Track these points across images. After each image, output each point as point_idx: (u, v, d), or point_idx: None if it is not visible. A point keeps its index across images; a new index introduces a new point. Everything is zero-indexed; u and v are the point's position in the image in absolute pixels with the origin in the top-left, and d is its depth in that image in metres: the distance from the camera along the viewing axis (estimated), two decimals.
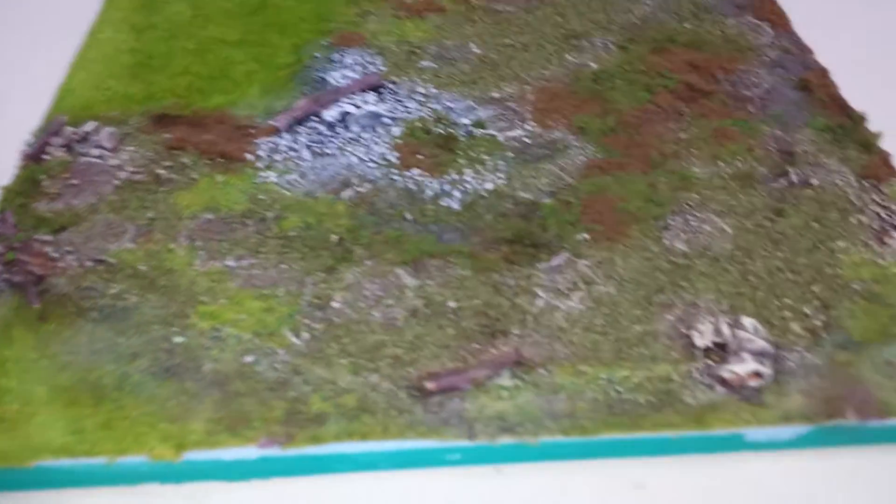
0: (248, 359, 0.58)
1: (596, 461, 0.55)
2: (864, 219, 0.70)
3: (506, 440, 0.54)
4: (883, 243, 0.67)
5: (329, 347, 0.59)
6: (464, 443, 0.54)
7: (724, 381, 0.57)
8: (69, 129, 0.74)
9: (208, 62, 0.85)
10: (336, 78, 0.83)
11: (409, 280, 0.64)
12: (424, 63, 0.86)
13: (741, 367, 0.57)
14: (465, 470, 0.55)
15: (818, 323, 0.61)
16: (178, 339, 0.59)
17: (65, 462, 0.52)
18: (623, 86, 0.84)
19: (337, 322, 0.61)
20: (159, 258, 0.64)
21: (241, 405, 0.55)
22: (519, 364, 0.57)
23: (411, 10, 0.94)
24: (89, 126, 0.75)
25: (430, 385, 0.56)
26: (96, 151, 0.73)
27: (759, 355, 0.58)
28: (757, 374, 0.57)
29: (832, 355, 0.59)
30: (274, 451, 0.53)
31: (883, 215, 0.70)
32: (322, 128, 0.77)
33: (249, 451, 0.53)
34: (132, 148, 0.74)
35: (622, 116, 0.80)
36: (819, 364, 0.59)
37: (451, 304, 0.62)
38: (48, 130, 0.74)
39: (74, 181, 0.71)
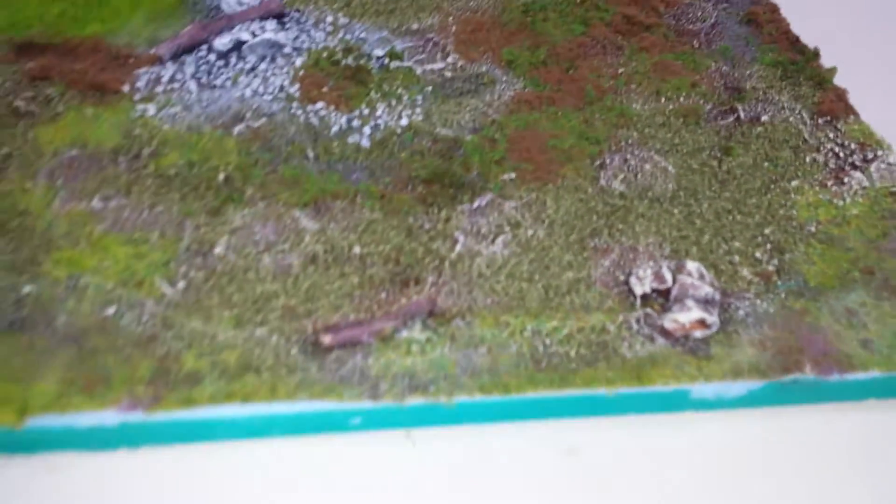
0: (110, 311, 0.48)
1: (521, 423, 0.48)
2: (819, 157, 0.64)
3: (416, 400, 0.46)
4: (841, 183, 0.61)
5: (209, 298, 0.50)
6: (367, 404, 0.46)
7: (665, 332, 0.50)
8: None
9: None
10: (231, 4, 0.73)
11: (308, 223, 0.55)
12: None
13: (684, 316, 0.50)
14: (368, 436, 0.47)
15: (771, 268, 0.55)
16: (27, 289, 0.49)
17: None
18: (556, 18, 0.76)
19: (220, 270, 0.52)
20: (12, 199, 0.54)
21: (100, 363, 0.46)
22: (432, 314, 0.49)
23: None
24: None
25: (326, 339, 0.47)
26: None
27: (704, 303, 0.51)
28: (702, 323, 0.50)
29: (786, 303, 0.52)
30: (138, 416, 0.44)
31: (840, 154, 0.64)
32: (212, 57, 0.68)
33: (109, 416, 0.44)
34: None
35: (555, 49, 0.72)
36: (772, 312, 0.52)
37: (357, 249, 0.54)
38: None
39: None
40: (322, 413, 0.45)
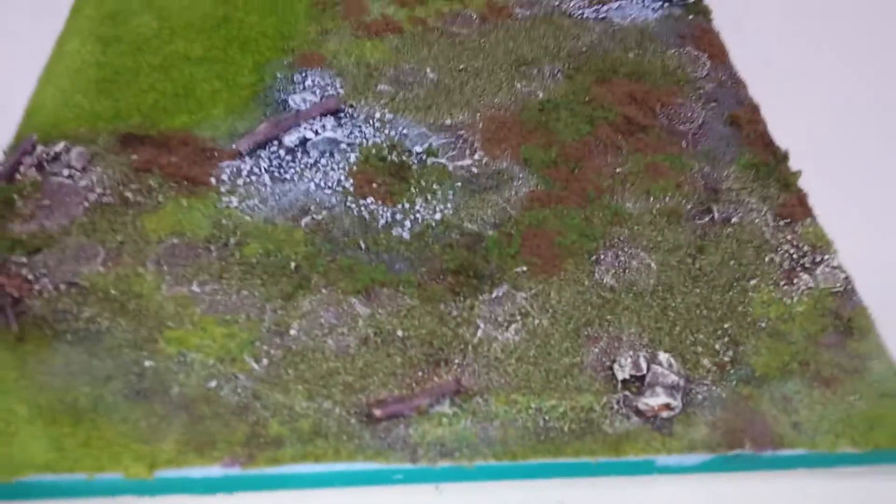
0: (212, 384, 0.63)
1: (524, 482, 0.62)
2: (776, 258, 0.77)
3: (445, 463, 0.60)
4: (791, 283, 0.75)
5: (286, 374, 0.64)
6: (407, 465, 0.60)
7: (638, 412, 0.64)
8: (40, 148, 0.78)
9: (173, 79, 0.89)
10: (297, 101, 0.87)
11: (361, 309, 0.69)
12: (382, 86, 0.91)
13: (654, 401, 0.64)
14: (408, 488, 0.62)
15: (726, 359, 0.69)
16: (147, 363, 0.64)
17: (47, 477, 0.58)
18: (567, 117, 0.89)
19: (294, 349, 0.66)
20: (128, 282, 0.69)
21: (207, 428, 0.61)
22: (458, 393, 0.64)
23: (370, 30, 0.98)
24: (60, 146, 0.78)
25: (377, 412, 0.62)
26: (66, 172, 0.77)
27: (670, 389, 0.65)
28: (668, 406, 0.64)
29: (736, 389, 0.67)
30: (236, 471, 0.59)
31: (794, 255, 0.77)
32: (282, 152, 0.82)
33: (214, 470, 0.59)
34: (100, 169, 0.78)
35: (564, 148, 0.86)
36: (724, 397, 0.66)
37: (400, 332, 0.68)
38: (21, 149, 0.77)
39: (46, 202, 0.74)
40: (373, 471, 0.60)
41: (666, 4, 1.08)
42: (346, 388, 0.64)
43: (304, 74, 0.91)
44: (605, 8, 1.07)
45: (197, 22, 0.97)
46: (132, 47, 0.92)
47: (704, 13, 1.07)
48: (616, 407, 0.65)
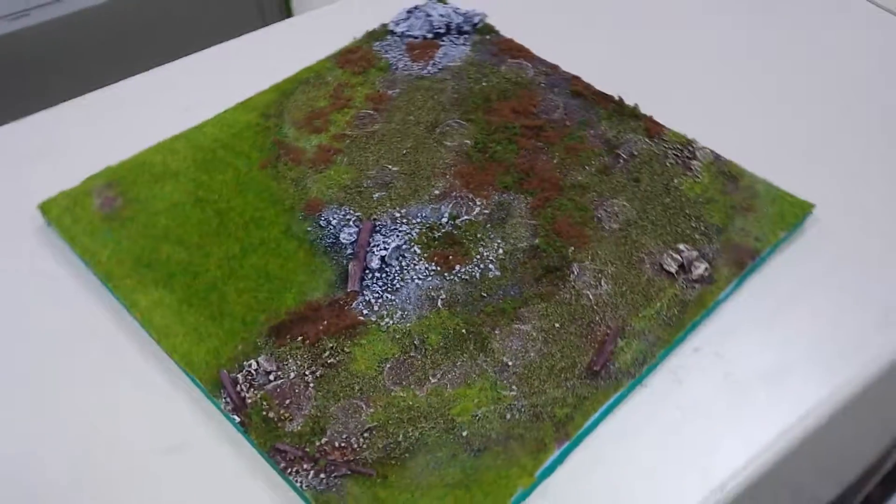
0: (507, 416, 0.96)
1: (683, 344, 1.05)
2: (670, 161, 1.25)
3: (644, 368, 1.00)
4: (690, 170, 1.23)
5: (539, 383, 0.99)
6: (632, 381, 0.99)
7: (695, 281, 1.09)
8: (238, 377, 0.99)
9: (245, 276, 1.10)
10: (345, 237, 1.15)
11: (527, 328, 1.05)
12: (376, 195, 1.21)
13: (697, 271, 1.09)
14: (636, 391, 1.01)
15: (703, 227, 1.15)
16: (464, 433, 0.94)
17: None
18: (495, 145, 1.27)
19: (521, 373, 1.00)
20: (397, 404, 0.97)
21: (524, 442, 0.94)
22: (619, 333, 1.03)
23: (320, 162, 1.26)
24: (251, 365, 1.00)
25: (596, 368, 0.99)
26: (272, 377, 0.99)
27: (698, 260, 1.10)
28: (706, 269, 1.09)
29: (719, 239, 1.14)
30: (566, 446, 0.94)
31: (677, 154, 1.26)
32: (377, 274, 1.11)
33: None
34: (290, 360, 1.01)
35: (517, 167, 1.24)
36: (718, 247, 1.13)
37: (557, 325, 1.05)
38: (228, 386, 0.98)
39: (287, 401, 0.97)
40: (617, 397, 0.99)
41: (466, 36, 1.48)
42: (569, 369, 1.00)
43: (322, 218, 1.18)
44: (434, 61, 1.43)
45: (206, 228, 1.17)
46: (188, 276, 1.10)
47: (493, 30, 1.49)
48: (685, 286, 1.09)
